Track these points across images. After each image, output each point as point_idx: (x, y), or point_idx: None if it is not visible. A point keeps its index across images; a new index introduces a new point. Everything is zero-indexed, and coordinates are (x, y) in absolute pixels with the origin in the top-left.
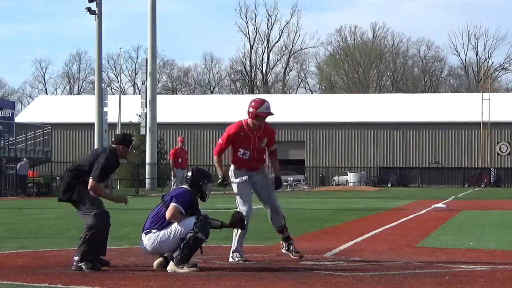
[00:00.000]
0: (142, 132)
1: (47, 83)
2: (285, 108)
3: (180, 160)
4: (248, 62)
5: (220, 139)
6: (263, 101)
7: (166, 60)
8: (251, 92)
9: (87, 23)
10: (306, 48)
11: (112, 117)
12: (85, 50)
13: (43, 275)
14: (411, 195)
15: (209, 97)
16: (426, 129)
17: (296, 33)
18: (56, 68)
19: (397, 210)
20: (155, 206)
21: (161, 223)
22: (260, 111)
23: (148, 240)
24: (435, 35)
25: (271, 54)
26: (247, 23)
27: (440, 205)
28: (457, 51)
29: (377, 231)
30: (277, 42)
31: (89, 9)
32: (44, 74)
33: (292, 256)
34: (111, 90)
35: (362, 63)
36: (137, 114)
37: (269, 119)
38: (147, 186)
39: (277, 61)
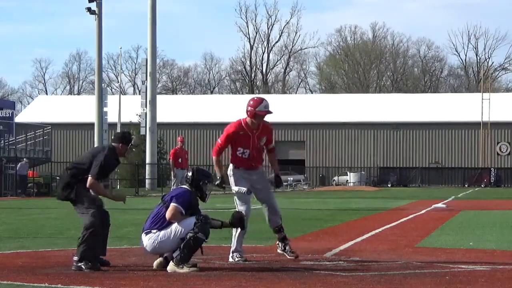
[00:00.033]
0: (142, 132)
1: (47, 83)
2: (285, 108)
3: (180, 160)
4: (248, 62)
5: (219, 139)
6: (261, 100)
7: (166, 60)
8: (251, 92)
9: (87, 23)
10: (306, 48)
11: (112, 117)
12: (85, 50)
13: (43, 275)
14: (411, 195)
15: (209, 97)
16: (426, 129)
17: (296, 33)
18: (56, 68)
19: (397, 210)
20: (155, 206)
21: (161, 223)
22: (258, 109)
23: (149, 240)
24: (435, 35)
25: (271, 54)
26: (247, 23)
27: (440, 205)
28: (457, 51)
29: (377, 231)
30: (277, 42)
31: (89, 9)
32: (44, 74)
33: (288, 256)
34: (111, 90)
35: (362, 63)
36: (137, 114)
37: (269, 119)
38: (147, 186)
39: (277, 61)
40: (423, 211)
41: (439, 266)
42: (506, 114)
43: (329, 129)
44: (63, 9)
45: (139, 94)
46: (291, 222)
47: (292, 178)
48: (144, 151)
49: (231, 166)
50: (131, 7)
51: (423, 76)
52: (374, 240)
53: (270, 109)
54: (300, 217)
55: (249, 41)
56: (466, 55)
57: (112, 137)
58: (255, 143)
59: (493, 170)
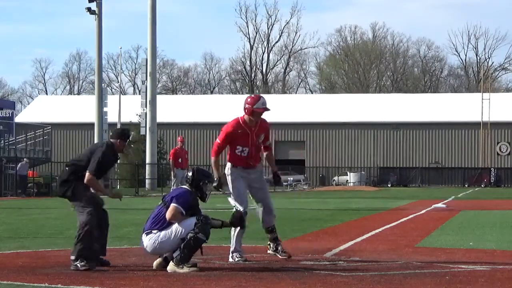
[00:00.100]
0: (142, 132)
1: (47, 83)
2: (285, 108)
3: (180, 160)
4: (248, 62)
5: (217, 139)
6: (259, 97)
7: (166, 60)
8: (251, 92)
9: (87, 23)
10: (306, 48)
11: (112, 117)
12: (85, 50)
13: (43, 275)
14: (411, 195)
15: (209, 97)
16: (426, 129)
17: (296, 33)
18: (56, 68)
19: (397, 210)
20: (156, 206)
21: (161, 223)
22: (256, 107)
23: (149, 240)
24: (435, 35)
25: (271, 54)
26: (247, 23)
27: (440, 205)
28: (457, 51)
29: (377, 231)
30: (277, 42)
31: (89, 9)
32: (44, 74)
33: (279, 256)
34: (111, 90)
35: (362, 63)
36: (137, 114)
37: (270, 119)
38: (147, 186)
39: (277, 61)
40: (423, 211)
41: (439, 266)
42: (506, 114)
43: (329, 129)
44: (63, 9)
45: (139, 94)
46: (291, 222)
47: (292, 178)
48: (144, 151)
49: (228, 165)
50: (131, 7)
51: (423, 76)
52: (374, 240)
53: (269, 108)
54: (300, 217)
55: (249, 41)
56: (466, 55)
57: (110, 134)
58: (254, 141)
59: (493, 170)
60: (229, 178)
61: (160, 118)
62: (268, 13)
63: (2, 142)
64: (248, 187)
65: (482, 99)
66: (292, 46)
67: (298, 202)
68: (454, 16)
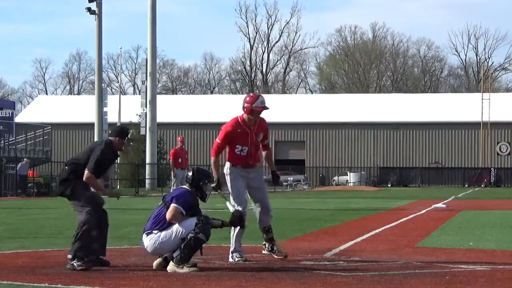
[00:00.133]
0: (142, 132)
1: (47, 83)
2: (285, 108)
3: (180, 160)
4: (248, 62)
5: (217, 139)
6: (257, 96)
7: (166, 60)
8: (251, 92)
9: (87, 23)
10: (306, 48)
11: (112, 117)
12: (85, 50)
13: (43, 275)
14: (411, 195)
15: (209, 97)
16: (426, 129)
17: (296, 33)
18: (56, 68)
19: (397, 210)
20: (156, 207)
21: (162, 224)
22: (255, 105)
23: (150, 241)
24: (435, 35)
25: (271, 54)
26: (247, 23)
27: (440, 205)
28: (457, 51)
29: (377, 231)
30: (277, 42)
31: (89, 9)
32: (44, 74)
33: (275, 256)
34: (111, 90)
35: (362, 63)
36: (137, 114)
37: (270, 119)
38: (147, 186)
39: (277, 61)
40: (423, 211)
41: (439, 266)
42: (506, 114)
43: (329, 129)
44: (63, 9)
45: (139, 94)
46: (291, 222)
47: (292, 178)
48: (144, 151)
49: (227, 164)
50: (131, 7)
51: (423, 76)
52: (374, 240)
53: (270, 109)
54: (300, 217)
55: (249, 41)
56: (466, 55)
57: (109, 132)
58: (253, 140)
59: (493, 170)
60: (228, 178)
61: (160, 118)
62: (268, 13)
63: (2, 142)
64: (246, 187)
65: (482, 99)
66: (292, 46)
67: (298, 202)
68: (454, 16)
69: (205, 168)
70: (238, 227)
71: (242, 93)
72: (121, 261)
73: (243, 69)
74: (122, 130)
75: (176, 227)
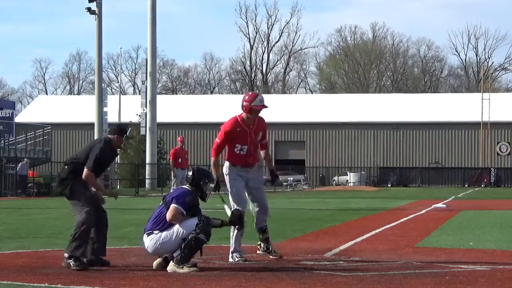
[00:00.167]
0: (142, 132)
1: (47, 83)
2: (285, 108)
3: (180, 160)
4: (248, 62)
5: (217, 138)
6: (256, 94)
7: (166, 60)
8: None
9: (87, 23)
10: (306, 48)
11: (112, 117)
12: (85, 50)
13: (43, 275)
14: (411, 195)
15: (209, 97)
16: (426, 129)
17: (296, 33)
18: (56, 68)
19: (397, 210)
20: (157, 207)
21: (163, 224)
22: (254, 104)
23: (150, 241)
24: (435, 35)
25: (271, 54)
26: (247, 23)
27: (440, 205)
28: (457, 51)
29: (377, 231)
30: (277, 42)
31: (89, 9)
32: (44, 74)
33: (271, 257)
34: (111, 90)
35: (362, 63)
36: (137, 114)
37: (269, 119)
38: (147, 186)
39: (277, 61)
40: (423, 211)
41: (439, 266)
42: (506, 114)
43: (329, 129)
44: (63, 9)
45: (139, 94)
46: (291, 222)
47: (292, 178)
48: (144, 151)
49: (227, 164)
50: (131, 7)
51: (423, 76)
52: (374, 240)
53: (270, 109)
54: (300, 217)
55: (249, 41)
56: (466, 55)
57: (108, 130)
58: (253, 139)
59: (493, 170)
60: (227, 178)
61: (160, 118)
62: (268, 13)
63: (2, 142)
64: (246, 187)
65: (482, 99)
66: (292, 46)
67: (298, 202)
68: (454, 16)
69: (205, 168)
70: (238, 227)
71: (242, 93)
72: (121, 261)
73: (243, 69)
74: (120, 128)
75: (177, 228)
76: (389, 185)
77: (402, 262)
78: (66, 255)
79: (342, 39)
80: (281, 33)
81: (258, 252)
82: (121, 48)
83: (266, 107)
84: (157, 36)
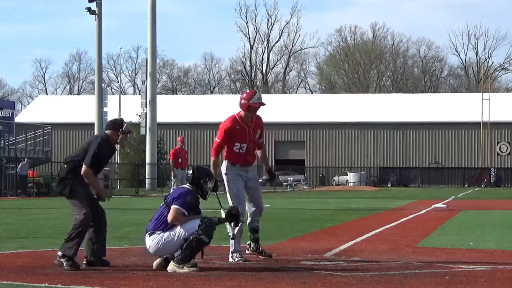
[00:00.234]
0: (142, 132)
1: (47, 83)
2: (285, 108)
3: (180, 160)
4: (248, 62)
5: (216, 138)
6: (254, 92)
7: (166, 60)
8: None
9: (87, 23)
10: (306, 48)
11: (112, 117)
12: (85, 50)
13: (43, 275)
14: (411, 195)
15: (209, 97)
16: (426, 129)
17: (296, 33)
18: (56, 68)
19: (397, 210)
20: (159, 207)
21: (165, 224)
22: (252, 102)
23: (152, 241)
24: (435, 35)
25: (271, 54)
26: (247, 23)
27: (440, 205)
28: (457, 51)
29: (377, 231)
30: (277, 42)
31: (89, 9)
32: (44, 74)
33: (261, 257)
34: (111, 90)
35: (362, 63)
36: (137, 114)
37: (270, 119)
38: (147, 186)
39: (277, 61)
40: (423, 211)
41: (439, 266)
42: (506, 114)
43: (329, 129)
44: (63, 9)
45: (139, 94)
46: (291, 222)
47: (292, 178)
48: (144, 151)
49: (225, 163)
50: (131, 7)
51: (423, 76)
52: (374, 240)
53: (270, 109)
54: (300, 217)
55: (249, 41)
56: (466, 55)
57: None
58: (252, 136)
59: (493, 170)
60: (227, 178)
61: (160, 118)
62: (268, 13)
63: (2, 142)
64: (244, 187)
65: (482, 99)
66: (292, 46)
67: (298, 202)
68: (454, 16)
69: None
70: (233, 224)
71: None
72: (121, 261)
73: (243, 69)
74: (115, 122)
75: (179, 228)
76: (389, 185)
77: (402, 262)
78: (59, 253)
79: (342, 39)
80: (281, 33)
81: (247, 251)
82: (121, 48)
83: (264, 104)
84: (157, 36)
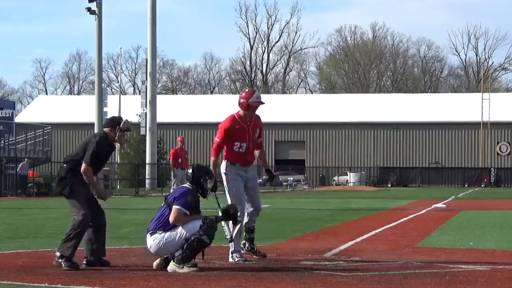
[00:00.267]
0: (142, 132)
1: (47, 83)
2: (285, 108)
3: (180, 160)
4: (248, 62)
5: (216, 137)
6: (253, 91)
7: (166, 60)
8: None
9: (87, 23)
10: (306, 48)
11: None
12: (85, 50)
13: (43, 275)
14: (411, 195)
15: (209, 97)
16: (426, 129)
17: (296, 33)
18: (56, 68)
19: (397, 210)
20: (160, 207)
21: (166, 225)
22: (251, 101)
23: (153, 241)
24: (435, 35)
25: (271, 54)
26: (247, 23)
27: (440, 205)
28: (457, 51)
29: (377, 231)
30: (277, 42)
31: (89, 9)
32: (44, 74)
33: (255, 256)
34: (111, 90)
35: (362, 63)
36: (137, 114)
37: (270, 119)
38: (147, 186)
39: (277, 61)
40: (423, 211)
41: (439, 266)
42: (506, 114)
43: (329, 129)
44: (63, 9)
45: (139, 94)
46: (291, 222)
47: (292, 178)
48: (144, 151)
49: (225, 163)
50: (131, 7)
51: (423, 76)
52: (374, 240)
53: (270, 109)
54: (300, 217)
55: (249, 41)
56: (466, 55)
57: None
58: (251, 136)
59: (493, 170)
60: (227, 178)
61: (160, 118)
62: (268, 13)
63: (2, 142)
64: (244, 187)
65: (482, 99)
66: (292, 46)
67: (298, 202)
68: (454, 16)
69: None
70: (231, 222)
71: None
72: (121, 261)
73: (243, 69)
74: (113, 120)
75: (180, 229)
76: (389, 185)
77: (402, 262)
78: (57, 254)
79: (342, 39)
80: (281, 33)
81: (241, 251)
82: (121, 48)
83: (263, 103)
84: (157, 36)
